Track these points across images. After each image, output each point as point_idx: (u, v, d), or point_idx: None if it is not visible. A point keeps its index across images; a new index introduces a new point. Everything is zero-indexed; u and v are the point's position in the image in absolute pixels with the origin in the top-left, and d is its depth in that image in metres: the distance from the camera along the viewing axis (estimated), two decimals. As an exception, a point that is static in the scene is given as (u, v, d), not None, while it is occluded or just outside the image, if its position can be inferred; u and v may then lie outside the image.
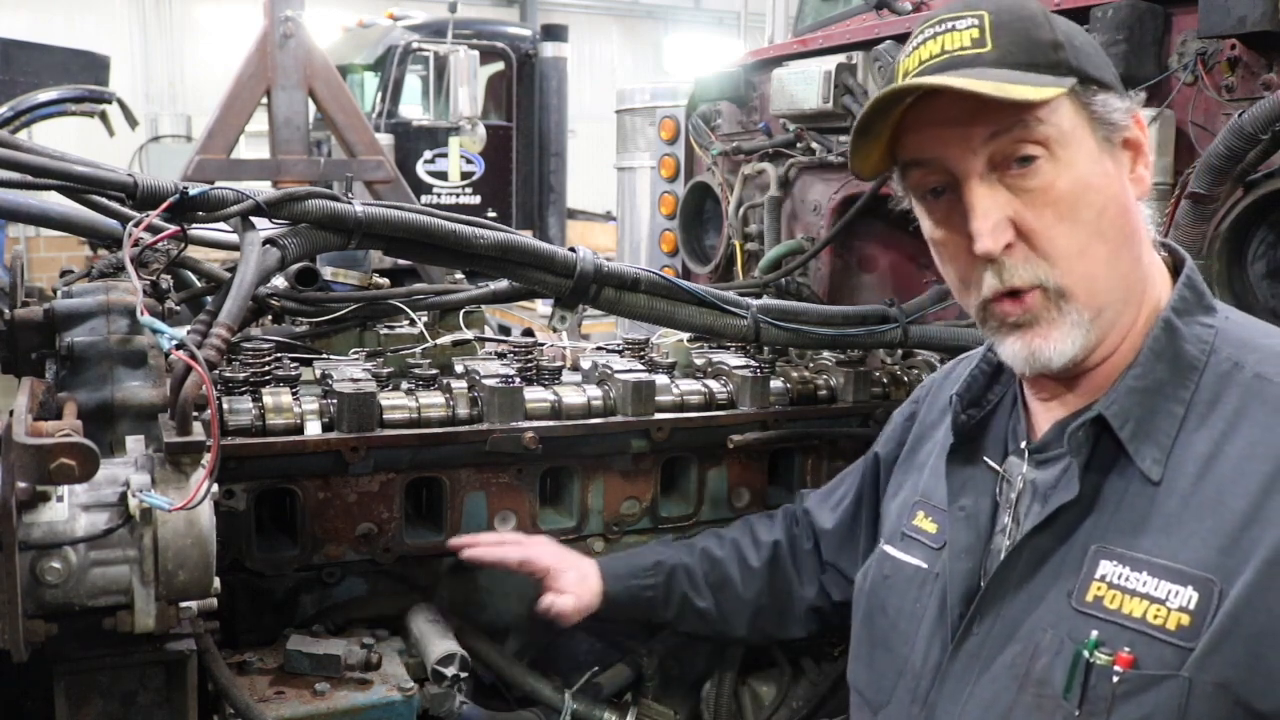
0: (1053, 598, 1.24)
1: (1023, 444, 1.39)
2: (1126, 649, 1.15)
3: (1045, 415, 1.37)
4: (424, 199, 9.25)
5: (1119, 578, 1.19)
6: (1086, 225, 1.22)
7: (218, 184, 1.72)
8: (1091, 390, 1.31)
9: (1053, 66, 1.20)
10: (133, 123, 5.55)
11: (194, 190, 1.67)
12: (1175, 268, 1.35)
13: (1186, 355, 1.25)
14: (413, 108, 9.95)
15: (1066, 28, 1.25)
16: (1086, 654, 1.17)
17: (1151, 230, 1.33)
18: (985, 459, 1.42)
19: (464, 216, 1.89)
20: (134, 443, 1.52)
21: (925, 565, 1.46)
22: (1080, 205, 1.22)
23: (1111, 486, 1.25)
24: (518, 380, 2.02)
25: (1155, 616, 1.15)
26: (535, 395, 2.03)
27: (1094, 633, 1.18)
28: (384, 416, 1.88)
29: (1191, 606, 1.13)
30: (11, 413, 1.44)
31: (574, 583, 1.87)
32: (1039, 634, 1.24)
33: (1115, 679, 1.14)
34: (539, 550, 1.91)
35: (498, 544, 1.92)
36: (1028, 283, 1.24)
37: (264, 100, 6.47)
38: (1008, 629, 1.28)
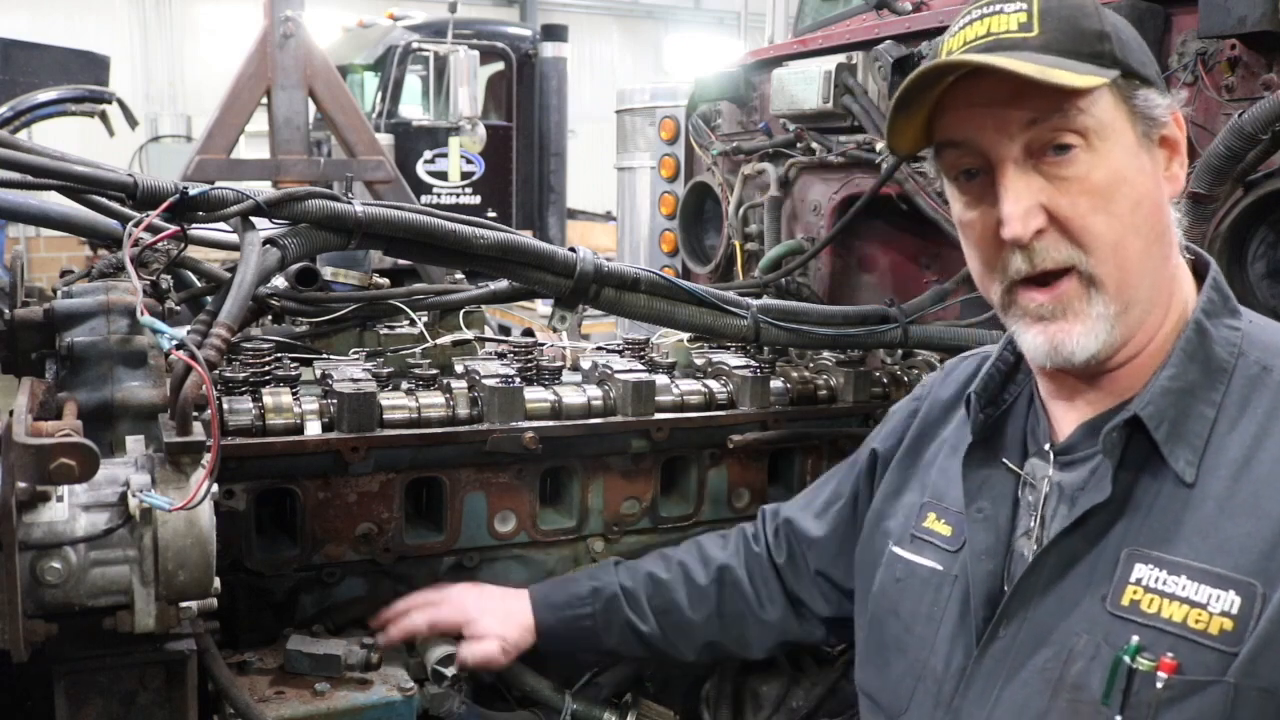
0: (1086, 602, 1.23)
1: (1045, 445, 1.37)
2: (1169, 654, 1.13)
3: (1068, 416, 1.35)
4: (424, 199, 9.24)
5: (1156, 581, 1.17)
6: (1121, 218, 1.21)
7: (218, 184, 1.71)
8: (1115, 392, 1.29)
9: (1097, 57, 1.20)
10: (133, 123, 5.55)
11: (194, 190, 1.67)
12: (1198, 270, 1.35)
13: (1217, 358, 1.25)
14: (413, 108, 9.95)
15: (1114, 20, 1.25)
16: (1128, 659, 1.15)
17: (1178, 232, 1.32)
18: (1004, 460, 1.40)
19: (464, 216, 1.89)
20: (134, 443, 1.52)
21: (941, 567, 1.44)
22: (1116, 197, 1.21)
23: (1143, 489, 1.23)
24: (518, 380, 2.02)
25: (1197, 621, 1.13)
26: (535, 395, 2.02)
27: (1134, 638, 1.16)
28: (384, 416, 1.88)
29: (1234, 611, 1.12)
30: (11, 413, 1.44)
31: (496, 625, 1.81)
32: (1072, 638, 1.22)
33: (1160, 685, 1.13)
34: (452, 605, 1.84)
35: (405, 610, 1.83)
36: (1060, 264, 1.22)
37: (264, 100, 6.47)
38: (1037, 632, 1.26)
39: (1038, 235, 1.22)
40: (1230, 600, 1.12)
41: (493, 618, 1.83)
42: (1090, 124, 1.20)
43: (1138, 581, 1.19)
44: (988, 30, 1.23)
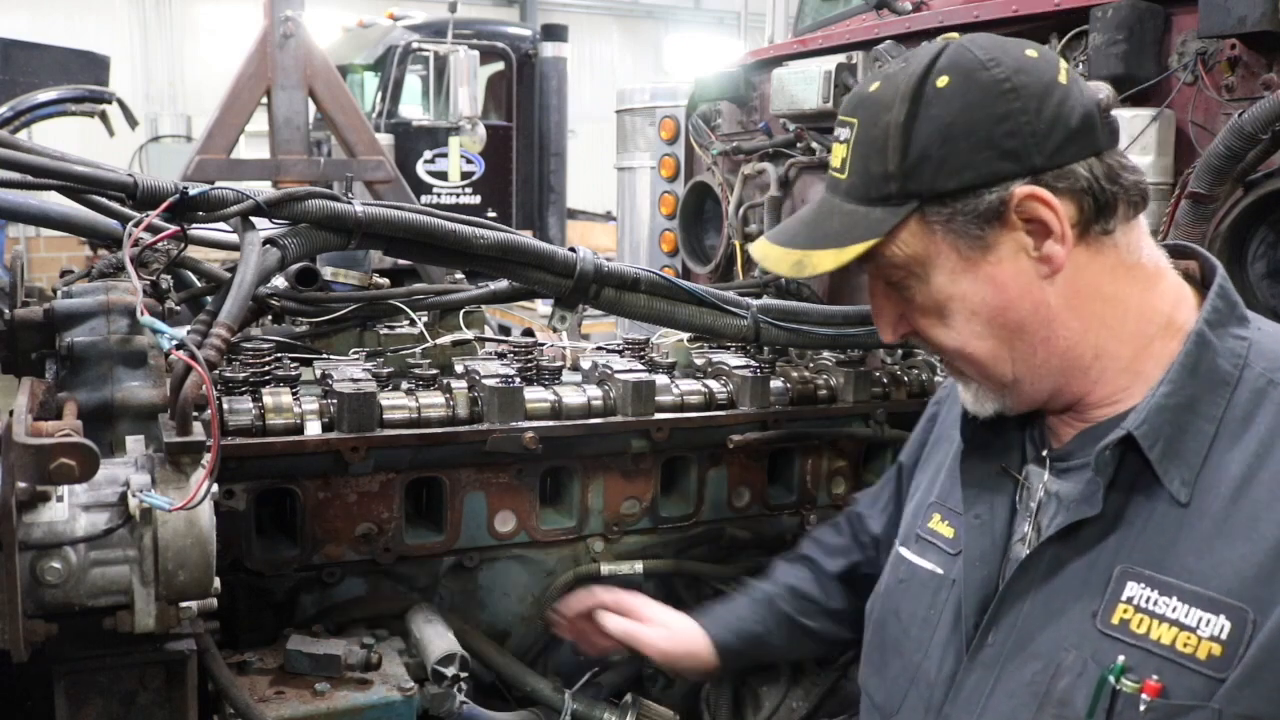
0: (1076, 616, 1.21)
1: (1043, 452, 1.36)
2: (1155, 676, 1.12)
3: (1066, 423, 1.34)
4: (424, 199, 9.24)
5: (1147, 601, 1.16)
6: (960, 329, 1.27)
7: (218, 184, 1.72)
8: (1107, 402, 1.28)
9: (886, 199, 1.23)
10: (133, 123, 5.55)
11: (194, 190, 1.67)
12: (1204, 276, 1.31)
13: (1220, 370, 1.21)
14: (413, 108, 9.95)
15: (929, 131, 1.18)
16: (1113, 680, 1.14)
17: (1158, 257, 1.28)
18: (1002, 465, 1.40)
19: (464, 216, 1.89)
20: (134, 443, 1.52)
21: (941, 571, 1.43)
22: (948, 313, 1.27)
23: (1137, 506, 1.21)
24: (518, 380, 2.02)
25: (1185, 645, 1.12)
26: (535, 395, 2.03)
27: (1121, 658, 1.15)
28: (384, 416, 1.88)
29: (1224, 636, 1.10)
30: (11, 413, 1.44)
31: (669, 636, 1.77)
32: (1061, 653, 1.21)
33: (1142, 707, 1.12)
34: (651, 634, 1.79)
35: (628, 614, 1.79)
36: (933, 354, 1.34)
37: (264, 100, 6.47)
38: (1025, 642, 1.26)
39: (906, 336, 1.37)
40: (1220, 625, 1.11)
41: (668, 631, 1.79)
42: (905, 257, 1.25)
43: (1129, 600, 1.17)
44: (832, 161, 1.33)
